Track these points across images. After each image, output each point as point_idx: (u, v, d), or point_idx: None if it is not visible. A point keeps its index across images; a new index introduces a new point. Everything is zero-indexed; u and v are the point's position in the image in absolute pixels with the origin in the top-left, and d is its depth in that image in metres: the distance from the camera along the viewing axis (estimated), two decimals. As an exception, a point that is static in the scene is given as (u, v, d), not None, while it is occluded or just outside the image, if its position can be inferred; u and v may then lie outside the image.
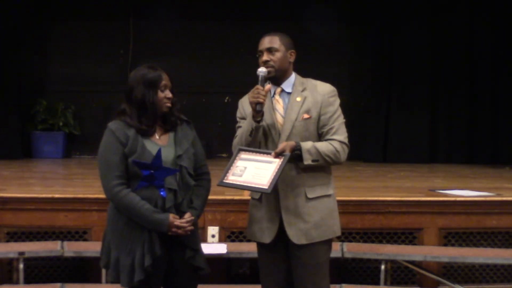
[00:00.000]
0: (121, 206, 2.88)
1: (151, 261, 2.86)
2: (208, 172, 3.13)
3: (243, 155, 2.99)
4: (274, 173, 2.86)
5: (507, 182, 6.57)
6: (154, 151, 2.89)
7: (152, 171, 2.87)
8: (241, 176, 2.92)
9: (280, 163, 2.89)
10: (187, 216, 2.93)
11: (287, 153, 2.92)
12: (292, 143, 2.97)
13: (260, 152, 2.99)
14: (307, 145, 2.98)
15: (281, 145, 2.96)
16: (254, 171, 2.91)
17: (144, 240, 2.87)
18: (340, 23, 9.57)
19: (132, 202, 2.85)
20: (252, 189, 2.97)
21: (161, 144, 2.95)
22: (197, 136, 3.11)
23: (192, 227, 2.95)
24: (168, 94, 2.96)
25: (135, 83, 2.95)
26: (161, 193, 2.90)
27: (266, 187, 2.85)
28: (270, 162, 2.91)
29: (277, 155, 2.92)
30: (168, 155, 2.92)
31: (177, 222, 2.88)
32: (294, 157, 2.96)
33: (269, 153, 2.94)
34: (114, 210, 2.94)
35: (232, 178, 2.94)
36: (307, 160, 2.96)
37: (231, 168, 2.96)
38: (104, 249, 2.98)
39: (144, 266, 2.85)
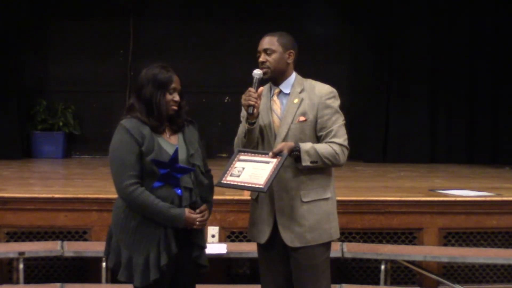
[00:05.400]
0: (135, 205, 2.86)
1: (167, 259, 2.86)
2: (210, 169, 3.15)
3: (241, 156, 3.00)
4: (271, 173, 2.86)
5: (507, 182, 6.57)
6: (169, 150, 2.90)
7: (169, 170, 2.87)
8: (238, 176, 2.93)
9: (277, 162, 2.89)
10: (203, 208, 2.94)
11: (285, 152, 2.91)
12: (290, 143, 2.95)
13: (258, 153, 2.99)
14: (306, 146, 2.96)
15: (279, 145, 2.95)
16: (251, 171, 2.92)
17: (159, 239, 2.86)
18: (340, 23, 9.59)
19: (147, 200, 2.84)
20: (249, 189, 2.97)
21: (174, 144, 2.96)
22: (199, 135, 3.13)
23: (206, 220, 2.95)
24: (176, 97, 2.95)
25: (145, 81, 2.95)
26: (177, 191, 2.91)
27: (262, 186, 2.85)
28: (267, 162, 2.91)
29: (275, 155, 2.91)
30: (181, 154, 2.93)
31: (193, 215, 2.88)
32: (293, 158, 2.95)
33: (267, 154, 2.94)
34: (124, 209, 2.92)
35: (230, 178, 2.95)
36: (306, 162, 2.94)
37: (230, 169, 2.97)
38: (112, 249, 2.95)
39: (160, 265, 2.85)
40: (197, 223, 2.90)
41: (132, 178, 2.85)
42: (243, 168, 2.95)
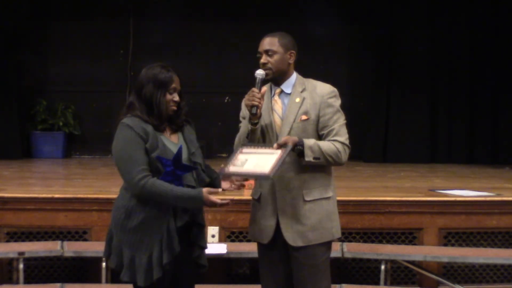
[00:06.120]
0: (152, 196, 2.83)
1: (170, 258, 2.86)
2: (208, 164, 3.15)
3: (244, 149, 2.98)
4: (276, 162, 2.83)
5: (507, 182, 6.57)
6: (172, 148, 2.91)
7: (173, 168, 2.87)
8: (242, 166, 2.91)
9: (281, 153, 2.86)
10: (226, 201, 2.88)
11: (289, 145, 2.90)
12: (294, 137, 2.95)
13: (261, 146, 2.98)
14: (309, 142, 2.97)
15: (283, 138, 2.95)
16: (255, 161, 2.89)
17: (161, 238, 2.86)
18: (340, 22, 9.59)
19: (162, 187, 2.81)
20: (254, 176, 2.95)
21: (175, 142, 2.96)
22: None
23: (228, 202, 2.89)
24: (176, 97, 2.95)
25: (145, 80, 2.95)
26: None
27: (267, 173, 2.81)
28: (272, 153, 2.88)
29: (279, 147, 2.89)
30: (182, 153, 2.93)
31: (212, 198, 2.82)
32: (296, 153, 2.95)
33: (270, 147, 2.92)
34: (125, 209, 2.90)
35: (233, 168, 2.92)
36: (309, 157, 2.94)
37: (232, 160, 2.95)
38: (113, 250, 2.94)
39: (162, 264, 2.84)
40: (219, 201, 2.84)
41: (143, 172, 2.83)
42: (246, 160, 2.92)
